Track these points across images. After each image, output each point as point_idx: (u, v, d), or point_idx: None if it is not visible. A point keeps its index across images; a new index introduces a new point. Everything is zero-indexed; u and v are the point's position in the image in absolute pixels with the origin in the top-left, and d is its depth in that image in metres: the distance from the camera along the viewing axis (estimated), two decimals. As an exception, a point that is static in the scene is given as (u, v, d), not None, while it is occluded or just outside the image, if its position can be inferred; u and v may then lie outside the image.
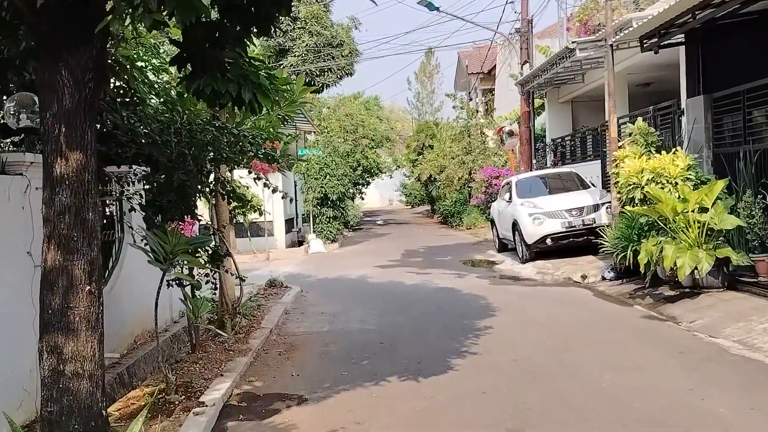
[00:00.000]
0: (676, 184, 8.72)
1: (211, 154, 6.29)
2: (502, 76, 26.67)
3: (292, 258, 17.39)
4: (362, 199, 29.58)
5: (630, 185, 9.10)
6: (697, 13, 8.65)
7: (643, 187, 8.90)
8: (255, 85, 3.87)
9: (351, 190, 21.73)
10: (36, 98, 4.82)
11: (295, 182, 20.60)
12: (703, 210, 8.15)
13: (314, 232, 19.51)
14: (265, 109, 4.24)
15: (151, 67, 7.74)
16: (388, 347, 6.97)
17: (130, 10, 3.11)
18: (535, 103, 18.16)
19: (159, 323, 7.84)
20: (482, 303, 9.22)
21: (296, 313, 9.27)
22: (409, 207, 47.19)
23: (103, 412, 4.04)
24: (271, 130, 7.87)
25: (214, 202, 7.64)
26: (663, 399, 4.84)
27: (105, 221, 6.83)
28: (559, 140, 17.94)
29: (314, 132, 21.91)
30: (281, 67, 17.62)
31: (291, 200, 19.58)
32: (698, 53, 10.35)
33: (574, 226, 12.20)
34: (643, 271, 8.51)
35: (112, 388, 6.13)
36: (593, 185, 13.56)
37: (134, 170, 6.27)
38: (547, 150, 18.17)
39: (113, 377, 6.19)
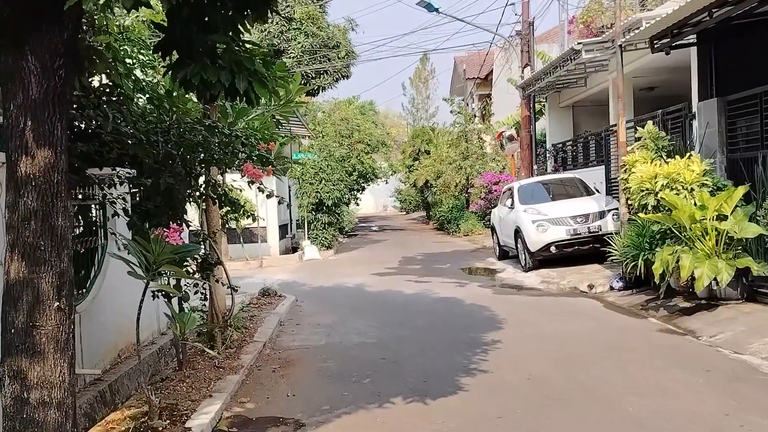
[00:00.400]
0: (692, 190, 8.30)
1: (201, 155, 5.83)
2: (500, 81, 26.35)
3: (286, 265, 16.89)
4: (357, 204, 29.10)
5: (643, 191, 8.68)
6: (714, 11, 8.27)
7: (657, 194, 8.48)
8: (250, 72, 3.40)
9: (347, 196, 21.23)
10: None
11: (289, 187, 20.12)
12: (722, 218, 7.75)
13: (309, 238, 19.02)
14: (262, 101, 3.77)
15: (138, 64, 7.28)
16: (391, 363, 6.49)
17: (104, -17, 2.66)
18: (535, 108, 17.77)
19: (145, 335, 7.36)
20: (487, 314, 8.76)
21: (291, 324, 8.78)
22: (404, 213, 46.79)
23: (74, 445, 3.55)
24: (265, 131, 7.43)
25: (204, 207, 7.16)
26: (699, 427, 4.39)
27: (88, 227, 6.39)
28: (560, 145, 17.55)
29: (308, 136, 21.44)
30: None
31: (288, 205, 19.10)
32: (711, 54, 9.97)
33: (580, 234, 11.78)
34: (657, 282, 8.08)
35: (93, 408, 5.64)
36: (597, 191, 13.15)
37: (118, 172, 5.81)
38: (548, 155, 17.78)
39: (94, 395, 5.69)
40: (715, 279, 7.38)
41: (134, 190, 6.26)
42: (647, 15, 10.28)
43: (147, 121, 6.05)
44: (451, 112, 25.72)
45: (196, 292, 6.73)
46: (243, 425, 4.92)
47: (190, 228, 6.87)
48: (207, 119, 6.16)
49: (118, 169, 5.83)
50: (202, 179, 6.23)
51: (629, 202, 9.28)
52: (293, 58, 18.89)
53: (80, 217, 6.52)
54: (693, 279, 7.68)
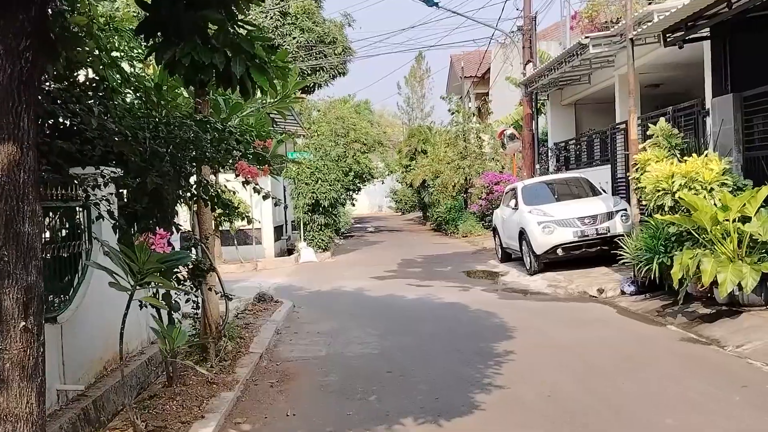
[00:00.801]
0: (711, 190, 7.90)
1: (192, 153, 5.36)
2: (498, 80, 25.93)
3: (282, 268, 16.40)
4: (353, 205, 28.64)
5: (659, 191, 8.25)
6: (733, 1, 7.86)
7: (674, 194, 8.06)
8: (249, 56, 2.93)
9: (343, 196, 20.75)
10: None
11: (284, 187, 19.63)
12: (745, 219, 7.33)
13: (305, 240, 18.54)
14: (258, 95, 3.31)
15: (126, 57, 6.80)
16: (398, 377, 6.03)
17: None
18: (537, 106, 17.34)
19: (133, 345, 6.89)
20: (495, 321, 8.31)
21: (289, 332, 8.31)
22: (399, 213, 46.34)
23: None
24: (261, 128, 6.96)
25: (195, 209, 6.68)
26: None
27: (71, 230, 5.95)
28: (563, 144, 17.14)
29: (304, 135, 20.95)
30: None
31: (285, 207, 18.60)
32: (725, 49, 9.56)
33: (588, 236, 11.35)
34: (676, 287, 7.63)
35: (75, 427, 5.16)
36: (604, 191, 12.74)
37: (102, 171, 5.34)
38: (550, 154, 17.36)
39: (77, 413, 5.21)
40: (738, 284, 6.97)
41: (121, 190, 5.81)
42: (659, 7, 9.86)
43: (134, 116, 5.59)
44: (449, 110, 25.27)
45: (187, 300, 6.25)
46: (239, 451, 4.46)
47: (181, 230, 6.42)
48: (198, 114, 5.69)
49: (102, 168, 5.37)
50: (193, 179, 5.76)
51: (643, 202, 8.85)
52: (290, 54, 18.38)
53: (63, 220, 6.09)
54: (713, 284, 7.27)
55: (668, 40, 9.65)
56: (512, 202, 13.26)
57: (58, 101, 5.22)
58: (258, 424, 4.94)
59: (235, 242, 16.72)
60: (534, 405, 5.03)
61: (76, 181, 5.34)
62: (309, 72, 19.40)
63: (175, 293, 5.85)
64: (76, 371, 5.80)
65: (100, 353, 6.37)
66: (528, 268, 12.24)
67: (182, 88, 7.07)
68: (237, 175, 5.52)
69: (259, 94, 7.51)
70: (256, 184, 5.91)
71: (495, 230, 15.03)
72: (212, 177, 7.86)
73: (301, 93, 19.34)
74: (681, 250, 8.22)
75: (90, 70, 5.87)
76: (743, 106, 8.93)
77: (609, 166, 13.61)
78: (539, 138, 17.25)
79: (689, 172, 8.00)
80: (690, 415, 4.63)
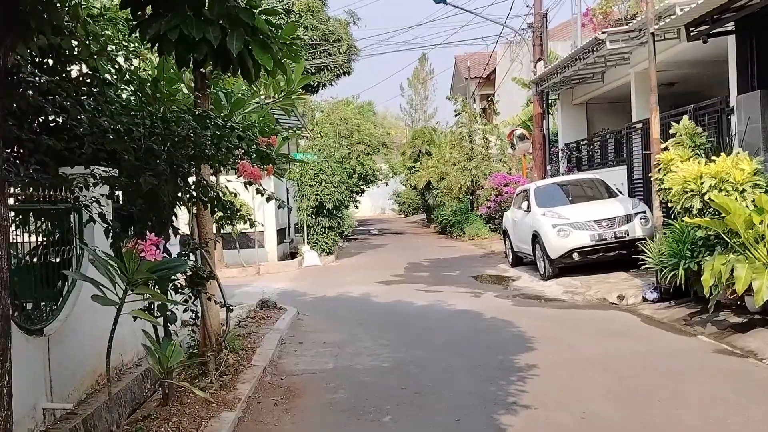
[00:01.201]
0: (743, 191, 7.41)
1: (191, 150, 4.90)
2: (503, 80, 25.47)
3: (285, 272, 15.93)
4: (356, 207, 28.18)
5: (687, 193, 7.76)
6: (767, -10, 7.40)
7: (704, 195, 7.58)
8: (248, 29, 2.47)
9: (347, 198, 20.30)
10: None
11: (287, 189, 19.18)
12: (782, 222, 6.85)
13: (308, 243, 18.06)
14: (265, 74, 2.83)
15: (122, 51, 6.36)
16: (413, 394, 5.55)
17: None
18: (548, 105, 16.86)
19: (128, 356, 6.44)
20: (513, 331, 7.83)
21: (293, 342, 7.83)
22: (402, 216, 45.89)
23: None
24: (265, 125, 6.51)
25: (195, 211, 6.22)
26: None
27: (62, 234, 5.53)
28: (574, 145, 16.65)
29: (307, 137, 20.51)
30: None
31: (289, 209, 18.13)
32: (751, 44, 9.08)
33: (605, 239, 10.86)
34: (707, 294, 7.14)
35: (63, 450, 4.72)
36: (620, 193, 12.26)
37: (92, 170, 4.89)
38: (561, 155, 16.87)
39: (64, 435, 4.77)
40: (777, 292, 6.48)
41: (117, 192, 5.37)
42: (681, 0, 9.39)
43: (128, 112, 5.14)
44: (455, 110, 24.79)
45: (185, 310, 5.79)
46: (240, 483, 3.98)
47: (180, 235, 5.96)
48: (198, 109, 5.23)
49: (93, 167, 4.93)
50: (192, 180, 5.29)
51: (669, 204, 8.36)
52: (297, 29, 17.82)
53: (55, 224, 5.67)
54: (746, 292, 6.79)
55: (692, 34, 9.18)
56: (524, 204, 12.77)
57: (49, 96, 4.79)
58: (262, 450, 4.47)
59: (237, 245, 16.27)
60: (569, 430, 4.55)
61: (66, 182, 4.90)
62: (313, 71, 18.94)
63: (171, 305, 5.39)
64: (65, 387, 5.35)
65: (93, 366, 5.92)
66: (542, 273, 11.75)
67: (181, 83, 6.65)
68: (239, 176, 5.05)
69: (261, 91, 7.09)
70: (260, 186, 5.45)
71: (505, 233, 14.54)
72: (212, 178, 7.43)
73: (305, 93, 18.91)
74: (709, 255, 7.76)
75: (84, 65, 5.45)
76: (773, 103, 8.46)
77: (624, 167, 13.12)
78: (550, 138, 16.76)
79: (719, 173, 7.51)
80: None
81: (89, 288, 5.25)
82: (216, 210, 5.53)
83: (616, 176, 13.20)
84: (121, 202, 5.71)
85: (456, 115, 25.67)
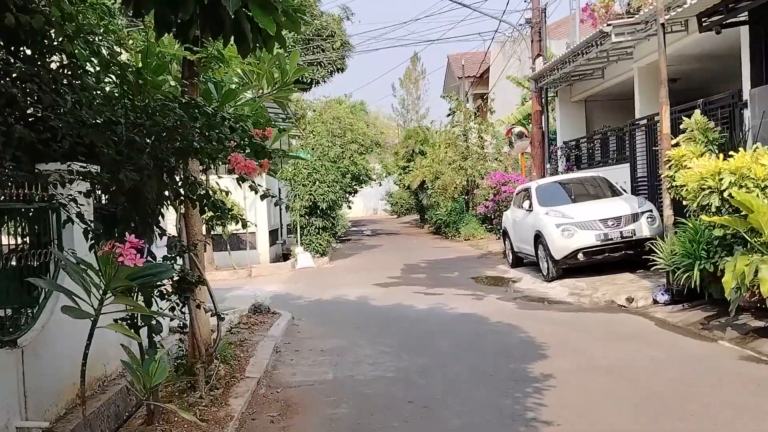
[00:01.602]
0: (765, 188, 7.02)
1: (177, 143, 4.43)
2: (497, 79, 25.07)
3: (278, 274, 15.45)
4: (349, 208, 27.67)
5: (704, 190, 7.37)
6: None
7: (722, 192, 7.18)
8: (245, -16, 2.01)
9: (341, 199, 19.81)
10: None
11: (279, 189, 18.69)
12: (807, 221, 6.47)
13: (302, 244, 17.58)
14: (262, 44, 2.36)
15: (102, 37, 5.87)
16: (421, 409, 5.10)
17: None
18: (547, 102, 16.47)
19: (112, 367, 5.99)
20: (521, 336, 7.41)
21: (289, 350, 7.37)
22: (395, 216, 45.42)
23: None
24: (259, 117, 6.05)
25: (183, 211, 5.75)
26: None
27: (39, 236, 5.07)
28: (573, 143, 16.27)
29: (299, 136, 20.00)
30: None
31: (287, 208, 17.61)
32: (766, 34, 8.73)
33: (611, 239, 10.47)
34: (729, 297, 6.75)
35: (36, 474, 4.26)
36: (624, 192, 11.88)
37: (70, 166, 4.42)
38: (559, 153, 16.49)
39: (38, 457, 4.31)
40: (804, 295, 6.10)
41: (96, 190, 4.90)
42: (692, -10, 9.01)
43: (111, 105, 4.68)
44: (450, 109, 24.38)
45: (172, 319, 5.32)
46: None
47: (167, 236, 5.49)
48: (185, 96, 4.76)
49: (70, 162, 4.46)
50: (178, 176, 4.82)
51: (684, 202, 7.97)
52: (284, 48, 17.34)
53: (33, 225, 5.21)
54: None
55: (704, 24, 8.81)
56: (525, 203, 12.37)
57: (24, 85, 4.32)
58: (258, 476, 4.01)
59: (228, 247, 15.77)
60: (596, 449, 4.12)
61: (40, 179, 4.43)
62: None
63: (160, 305, 4.93)
64: (42, 403, 4.88)
65: (73, 378, 5.44)
66: (545, 274, 11.34)
67: (168, 76, 6.18)
68: (231, 171, 4.58)
69: (254, 78, 6.62)
70: (253, 182, 4.99)
71: (505, 233, 14.13)
72: (202, 176, 6.96)
73: (298, 87, 18.41)
74: (727, 255, 7.38)
75: (64, 56, 5.00)
76: (789, 96, 8.10)
77: (627, 164, 12.75)
78: (549, 136, 16.38)
79: (739, 169, 7.12)
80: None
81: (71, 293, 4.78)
82: (206, 209, 5.06)
83: (618, 174, 12.82)
84: (103, 201, 5.26)
85: (448, 115, 25.27)
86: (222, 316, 5.46)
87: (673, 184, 8.52)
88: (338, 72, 19.70)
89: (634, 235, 10.37)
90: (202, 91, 6.16)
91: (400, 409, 5.11)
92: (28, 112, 4.61)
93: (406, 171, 31.53)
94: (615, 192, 11.75)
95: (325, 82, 19.62)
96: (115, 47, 5.97)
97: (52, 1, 4.29)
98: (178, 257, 4.97)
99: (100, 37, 5.44)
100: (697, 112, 8.95)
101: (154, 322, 4.73)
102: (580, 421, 4.59)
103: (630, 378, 5.58)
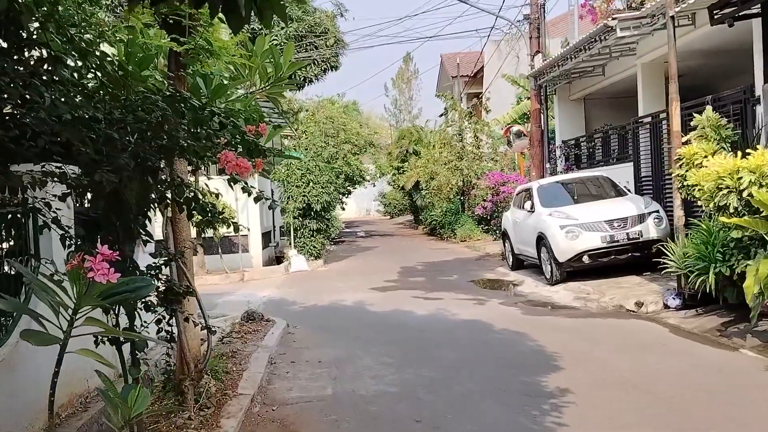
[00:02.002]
0: (786, 187, 6.66)
1: (164, 140, 4.00)
2: (490, 78, 24.73)
3: (271, 278, 15.00)
4: (343, 209, 27.23)
5: (722, 189, 7.00)
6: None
7: (741, 192, 6.82)
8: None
9: (335, 200, 19.39)
10: None
11: (272, 190, 18.24)
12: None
13: (295, 247, 17.13)
14: (256, 16, 1.94)
15: (82, 29, 5.42)
16: (431, 429, 4.69)
17: None
18: (546, 100, 16.10)
19: (94, 382, 5.57)
20: (530, 345, 7.02)
21: (285, 362, 6.93)
22: (388, 217, 45.04)
23: None
24: (252, 113, 5.62)
25: (169, 215, 5.32)
26: None
27: (16, 242, 4.66)
28: (573, 142, 15.93)
29: (291, 136, 19.55)
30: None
31: (274, 209, 17.14)
32: (779, 28, 8.39)
33: (618, 241, 10.10)
34: (750, 303, 6.38)
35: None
36: (629, 191, 11.53)
37: (43, 167, 3.99)
38: (558, 153, 16.14)
39: (9, 487, 3.89)
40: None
41: (72, 192, 4.46)
42: (701, -18, 8.67)
43: (91, 98, 4.25)
44: (445, 108, 24.01)
45: (159, 331, 4.87)
46: None
47: (152, 242, 5.05)
48: (169, 90, 4.33)
49: (45, 163, 4.03)
50: (163, 176, 4.38)
51: (699, 202, 7.60)
52: (277, 45, 16.92)
53: (11, 231, 4.80)
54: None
55: (716, 17, 8.45)
56: (527, 204, 11.99)
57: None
58: None
59: (220, 250, 15.31)
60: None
61: (13, 182, 3.99)
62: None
63: (142, 326, 4.49)
64: (17, 423, 4.47)
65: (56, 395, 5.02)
66: (548, 277, 10.97)
67: (154, 69, 5.75)
68: (222, 171, 4.14)
69: (246, 72, 6.19)
70: (246, 183, 4.57)
71: (505, 234, 13.75)
72: (192, 178, 6.52)
73: (292, 86, 17.96)
74: (745, 258, 7.03)
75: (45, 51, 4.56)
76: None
77: (630, 164, 12.41)
78: (548, 135, 16.02)
79: (760, 167, 6.76)
80: None
81: (47, 306, 4.35)
82: (194, 213, 4.62)
83: (620, 174, 12.47)
84: (86, 205, 4.82)
85: (441, 115, 24.91)
86: (213, 329, 5.02)
87: (685, 183, 8.17)
88: (332, 70, 19.27)
89: (641, 236, 10.02)
90: (190, 86, 5.73)
91: (407, 429, 4.69)
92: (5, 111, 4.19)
93: (400, 171, 31.17)
94: (619, 192, 11.40)
95: (318, 80, 19.17)
96: (96, 39, 5.54)
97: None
98: (163, 266, 4.53)
99: (79, 26, 5.01)
100: (709, 108, 8.61)
101: (137, 337, 4.30)
102: (606, 443, 4.20)
103: (653, 391, 5.19)
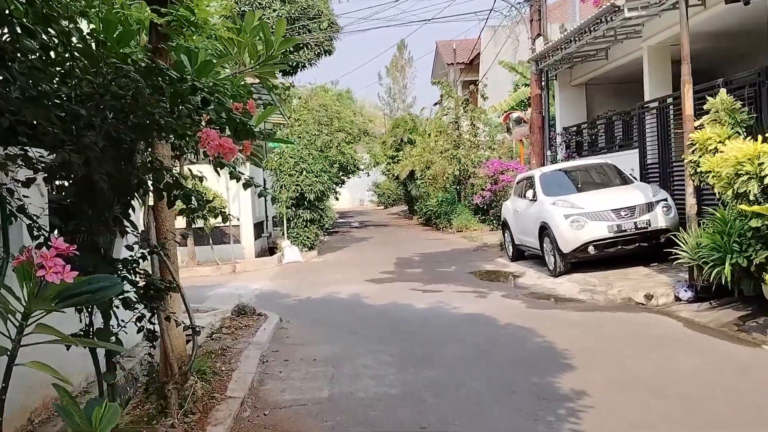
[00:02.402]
0: (810, 173, 6.27)
1: (135, 117, 3.55)
2: (490, 64, 24.24)
3: (264, 270, 14.56)
4: (336, 199, 26.77)
5: (741, 176, 6.60)
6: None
7: (763, 178, 6.42)
8: None
9: (329, 189, 18.92)
10: None
11: (264, 179, 17.76)
12: None
13: (288, 237, 16.68)
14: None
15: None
16: (438, 437, 4.29)
17: None
18: (548, 85, 15.64)
19: (76, 381, 5.18)
20: (538, 342, 6.62)
21: (278, 360, 6.51)
22: (382, 207, 44.61)
23: None
24: (239, 87, 5.15)
25: (151, 203, 4.87)
26: None
27: None
28: (574, 128, 15.51)
29: (284, 125, 19.05)
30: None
31: (273, 200, 16.69)
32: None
33: (625, 231, 9.70)
34: (772, 297, 6.02)
35: None
36: (635, 179, 11.13)
37: (6, 150, 3.55)
38: (559, 140, 15.72)
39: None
40: None
41: (40, 176, 4.01)
42: (715, -42, 8.26)
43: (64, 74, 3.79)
44: (441, 95, 23.53)
45: (140, 330, 4.44)
46: None
47: (128, 234, 4.60)
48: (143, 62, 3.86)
49: (7, 147, 3.59)
50: (139, 159, 3.93)
51: (716, 189, 7.20)
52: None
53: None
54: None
55: (732, -6, 8.04)
56: (529, 193, 11.58)
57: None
58: None
59: (211, 241, 14.86)
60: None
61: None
62: (291, 50, 17.45)
63: (119, 325, 4.05)
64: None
65: (22, 400, 4.61)
66: (551, 268, 10.57)
67: (136, 47, 5.27)
68: (202, 149, 3.66)
69: (234, 47, 5.72)
70: (233, 168, 4.12)
71: (504, 224, 13.34)
72: (176, 162, 6.07)
73: (282, 74, 17.44)
74: (764, 248, 6.66)
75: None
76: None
77: (636, 150, 12.01)
78: (549, 122, 15.59)
79: (783, 152, 6.37)
80: None
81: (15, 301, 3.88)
82: (177, 201, 4.17)
83: (625, 161, 12.07)
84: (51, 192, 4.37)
85: (436, 103, 24.43)
86: (198, 329, 4.58)
87: (698, 170, 7.79)
88: (326, 54, 18.72)
89: (649, 225, 9.63)
90: (174, 62, 5.26)
91: (413, 438, 4.29)
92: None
93: (394, 160, 30.69)
94: (625, 180, 11.00)
95: (311, 65, 18.63)
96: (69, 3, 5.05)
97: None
98: (141, 260, 4.08)
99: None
100: (723, 91, 8.18)
101: (113, 339, 3.87)
102: (633, 454, 3.80)
103: (674, 392, 4.80)
